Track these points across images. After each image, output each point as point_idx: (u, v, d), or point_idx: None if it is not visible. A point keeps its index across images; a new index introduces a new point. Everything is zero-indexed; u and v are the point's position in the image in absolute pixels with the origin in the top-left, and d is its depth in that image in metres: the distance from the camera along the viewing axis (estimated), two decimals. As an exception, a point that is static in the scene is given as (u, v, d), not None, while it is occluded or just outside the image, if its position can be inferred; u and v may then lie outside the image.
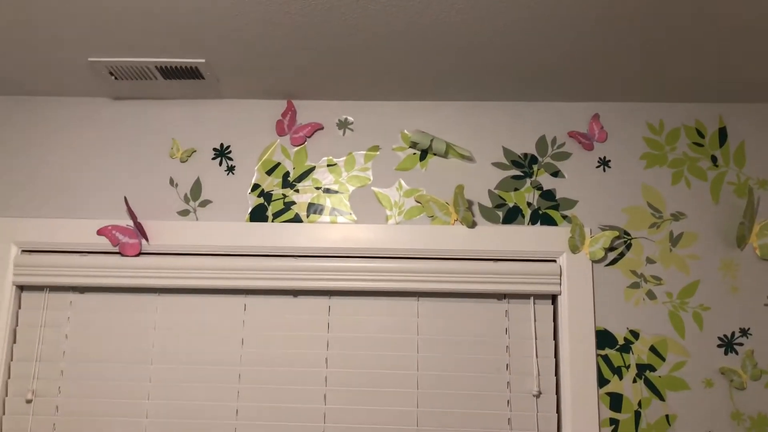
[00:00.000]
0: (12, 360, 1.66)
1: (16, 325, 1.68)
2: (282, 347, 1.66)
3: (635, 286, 1.63)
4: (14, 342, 1.67)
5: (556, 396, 1.61)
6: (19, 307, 1.69)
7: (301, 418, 1.61)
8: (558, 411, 1.60)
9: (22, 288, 1.70)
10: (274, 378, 1.63)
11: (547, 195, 1.69)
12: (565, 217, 1.68)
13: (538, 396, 1.61)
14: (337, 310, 1.68)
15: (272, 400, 1.62)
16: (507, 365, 1.63)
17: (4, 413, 1.63)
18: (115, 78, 1.63)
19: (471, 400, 1.61)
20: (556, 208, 1.68)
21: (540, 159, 1.72)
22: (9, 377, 1.65)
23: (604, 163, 1.70)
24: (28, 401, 1.63)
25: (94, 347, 1.66)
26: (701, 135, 1.71)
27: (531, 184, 1.70)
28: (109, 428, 1.61)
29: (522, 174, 1.71)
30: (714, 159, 1.69)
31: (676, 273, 1.63)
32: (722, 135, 1.70)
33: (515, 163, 1.72)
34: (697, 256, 1.63)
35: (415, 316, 1.67)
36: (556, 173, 1.71)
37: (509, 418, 1.60)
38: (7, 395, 1.64)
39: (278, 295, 1.69)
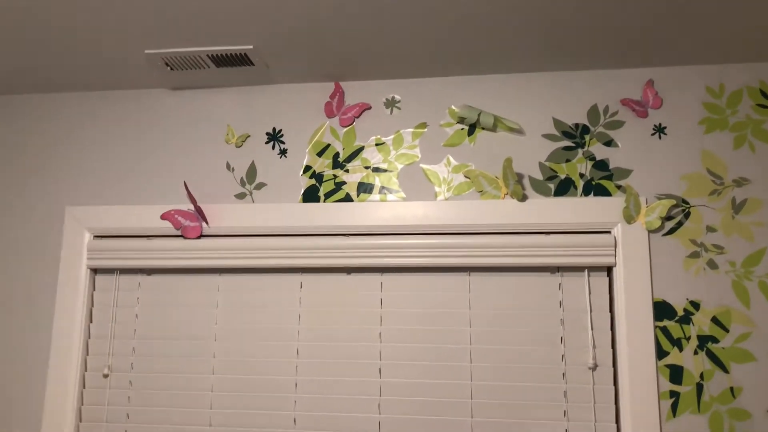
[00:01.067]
0: (90, 338, 1.78)
1: (92, 306, 1.80)
2: (337, 323, 1.70)
3: (695, 255, 1.57)
4: (91, 321, 1.79)
5: (613, 369, 1.59)
6: (94, 289, 1.81)
7: (357, 391, 1.65)
8: (615, 384, 1.58)
9: (95, 271, 1.82)
10: (330, 352, 1.68)
11: (600, 165, 1.66)
12: (619, 187, 1.64)
13: (594, 369, 1.59)
14: (390, 286, 1.71)
15: (329, 374, 1.67)
16: (561, 338, 1.61)
17: (84, 387, 1.76)
18: (171, 68, 1.70)
19: (525, 373, 1.61)
20: (609, 178, 1.65)
21: (592, 129, 1.68)
22: (87, 354, 1.77)
23: (659, 130, 1.65)
24: (105, 376, 1.75)
25: (162, 325, 1.76)
26: (766, 96, 1.63)
27: (583, 154, 1.67)
28: (178, 401, 1.71)
29: (573, 145, 1.68)
30: (780, 120, 1.61)
31: (739, 241, 1.56)
32: (789, 95, 1.62)
33: (566, 134, 1.69)
34: (763, 223, 1.56)
35: (466, 290, 1.68)
36: (609, 142, 1.66)
37: (565, 391, 1.58)
38: (86, 370, 1.77)
39: (332, 273, 1.73)
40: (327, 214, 1.72)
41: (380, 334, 1.68)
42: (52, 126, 1.89)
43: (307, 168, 1.77)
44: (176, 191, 1.80)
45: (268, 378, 1.69)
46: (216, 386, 1.71)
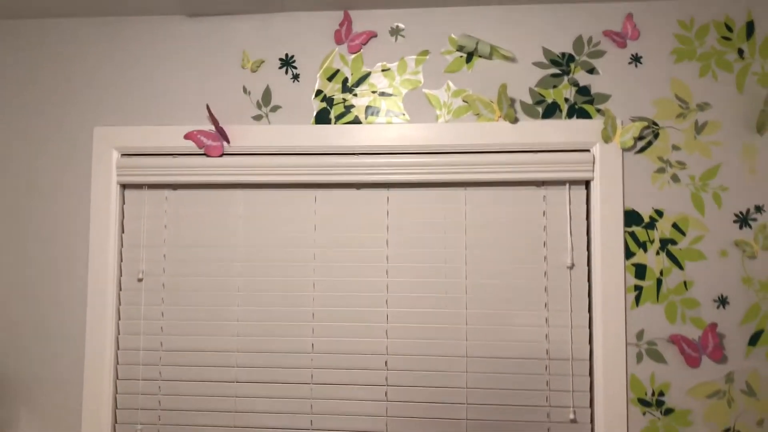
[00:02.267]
0: (123, 247, 1.97)
1: (123, 218, 1.98)
2: (348, 232, 1.92)
3: (661, 171, 1.82)
4: (123, 232, 1.98)
5: (587, 268, 1.86)
6: (124, 203, 1.98)
7: (367, 288, 1.90)
8: (589, 280, 1.85)
9: (124, 186, 1.98)
10: (343, 257, 1.91)
11: (583, 91, 1.86)
12: (598, 110, 1.85)
13: (571, 268, 1.86)
14: (395, 199, 1.92)
15: (343, 275, 1.91)
16: (544, 242, 1.87)
17: (121, 289, 1.96)
18: (192, -3, 1.82)
19: (512, 271, 1.87)
20: (591, 102, 1.86)
21: (577, 57, 1.87)
22: (122, 260, 1.97)
23: (636, 59, 1.85)
24: (139, 280, 1.96)
25: (188, 235, 1.96)
26: (730, 29, 1.83)
27: (568, 81, 1.87)
28: (206, 300, 1.93)
29: (560, 72, 1.87)
30: (740, 52, 1.82)
31: (699, 158, 1.81)
32: (749, 29, 1.83)
33: (554, 62, 1.88)
34: (720, 143, 1.81)
35: (463, 203, 1.90)
36: (591, 70, 1.86)
37: (546, 287, 1.86)
38: (122, 275, 1.96)
39: (343, 189, 1.94)
40: (338, 134, 1.90)
41: (387, 240, 1.91)
42: (78, 50, 2.00)
43: (319, 92, 1.94)
44: (197, 113, 1.95)
45: (288, 279, 1.92)
46: (241, 287, 1.93)
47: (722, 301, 1.78)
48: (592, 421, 1.82)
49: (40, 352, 1.93)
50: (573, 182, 1.88)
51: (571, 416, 1.81)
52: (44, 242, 1.96)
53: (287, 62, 1.95)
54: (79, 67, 1.99)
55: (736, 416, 1.76)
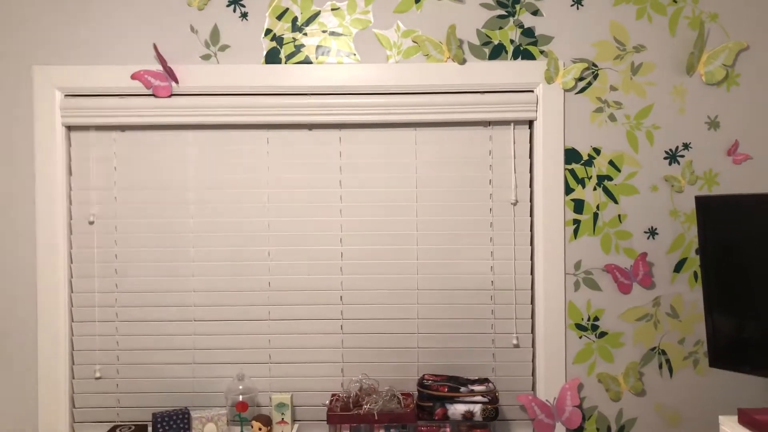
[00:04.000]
0: (71, 190, 1.94)
1: (70, 161, 1.94)
2: (301, 173, 1.95)
3: (599, 111, 1.92)
4: (71, 175, 1.95)
5: (530, 204, 1.96)
6: (70, 146, 1.94)
7: (321, 228, 1.95)
8: (531, 215, 1.96)
9: (69, 128, 1.94)
10: (297, 197, 1.95)
11: (528, 32, 1.92)
12: (542, 52, 1.92)
13: (515, 204, 1.95)
14: (347, 139, 1.96)
15: (296, 216, 1.95)
16: (490, 180, 1.96)
17: (71, 233, 1.95)
18: (134, -71, 1.75)
19: (460, 209, 1.95)
20: (534, 44, 1.92)
21: (522, -1, 1.92)
22: (71, 204, 1.94)
23: (578, 2, 1.92)
24: (91, 223, 1.95)
25: (139, 177, 1.95)
26: (665, -26, 1.92)
27: (514, 23, 1.92)
28: (160, 241, 1.95)
29: (506, 14, 1.92)
30: (675, -4, 1.92)
31: (634, 98, 1.92)
32: (684, -27, 1.91)
33: (500, 4, 1.92)
34: (653, 83, 1.91)
35: (413, 143, 1.96)
36: (535, 12, 1.92)
37: (491, 222, 1.96)
38: (71, 219, 1.95)
39: (296, 129, 1.96)
40: (288, 75, 1.91)
41: (340, 181, 1.96)
42: (7, -16, 1.91)
43: (268, 31, 1.92)
44: (144, 52, 1.91)
45: (243, 221, 1.95)
46: (195, 228, 1.95)
47: (652, 233, 1.92)
48: (533, 345, 1.96)
49: (-10, 297, 1.92)
50: (517, 122, 1.95)
51: (515, 341, 1.95)
52: (-13, 186, 1.91)
53: (235, 0, 1.92)
54: (20, 7, 1.90)
55: (661, 336, 1.93)
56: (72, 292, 1.94)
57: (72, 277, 1.94)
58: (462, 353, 1.95)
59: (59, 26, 1.91)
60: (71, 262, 1.94)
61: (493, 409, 1.77)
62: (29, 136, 1.90)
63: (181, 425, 1.82)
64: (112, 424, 1.93)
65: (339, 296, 1.95)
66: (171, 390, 1.95)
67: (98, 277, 1.94)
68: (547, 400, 1.90)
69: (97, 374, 1.94)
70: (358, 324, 1.96)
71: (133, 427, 1.86)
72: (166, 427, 1.81)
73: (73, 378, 1.95)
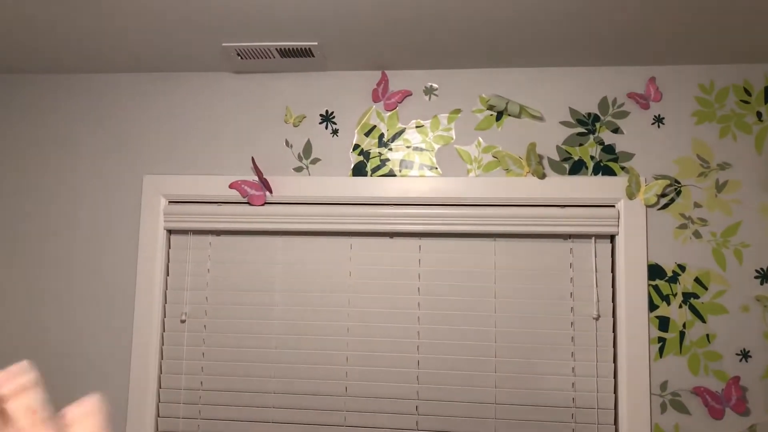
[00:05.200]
0: (167, 289, 2.08)
1: (168, 262, 2.09)
2: (382, 278, 2.01)
3: (683, 227, 1.90)
4: (168, 275, 2.08)
5: (612, 319, 1.93)
6: (169, 248, 2.10)
7: (399, 334, 1.98)
8: (614, 331, 1.92)
9: (170, 232, 2.10)
10: (377, 303, 2.00)
11: (608, 149, 1.96)
12: (623, 168, 1.95)
13: (597, 318, 1.93)
14: (427, 248, 2.02)
15: (376, 321, 2.00)
16: (571, 293, 1.95)
17: (164, 330, 2.06)
18: (241, 58, 1.95)
19: (540, 321, 1.94)
20: (615, 160, 1.95)
21: (602, 117, 1.98)
22: (166, 302, 2.07)
23: (658, 120, 1.95)
24: (182, 321, 2.06)
25: (229, 279, 2.06)
26: (748, 93, 1.93)
27: (594, 139, 1.97)
28: (245, 342, 2.02)
29: (586, 131, 1.98)
30: (759, 114, 1.92)
31: (720, 215, 1.89)
32: (768, 93, 1.92)
33: (580, 122, 1.98)
34: (740, 201, 1.89)
35: (492, 254, 1.99)
36: (616, 130, 1.96)
37: (572, 336, 1.93)
38: (165, 316, 2.07)
39: (378, 237, 2.04)
40: (373, 186, 2.01)
41: (418, 288, 2.00)
42: (133, 103, 2.14)
43: (356, 146, 2.05)
44: (242, 164, 2.07)
45: (324, 323, 2.01)
46: (279, 330, 2.02)
47: (744, 355, 1.84)
48: (617, 469, 1.87)
49: (86, 384, 2.03)
50: (598, 236, 1.96)
51: (597, 464, 1.87)
52: (95, 285, 2.07)
53: (327, 118, 2.07)
54: (134, 118, 2.13)
55: (760, 468, 1.80)
56: (160, 387, 2.03)
57: (161, 373, 2.04)
58: (541, 473, 1.88)
59: (170, 139, 2.11)
60: (162, 358, 2.05)
61: None
62: (134, 238, 2.07)
63: None
64: None
65: (414, 406, 1.95)
66: (246, 492, 1.97)
67: (185, 375, 2.03)
68: None
69: (177, 471, 1.99)
70: (434, 435, 1.93)
71: None
72: None
73: (154, 473, 2.00)
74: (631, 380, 1.85)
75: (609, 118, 1.97)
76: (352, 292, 2.02)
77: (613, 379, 1.90)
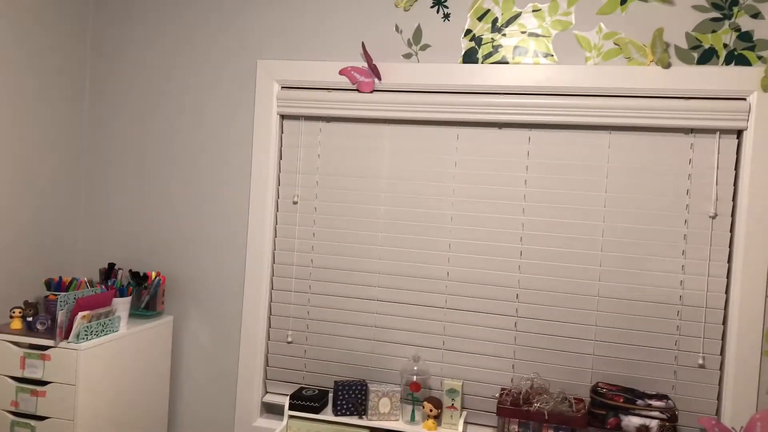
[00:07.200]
0: (280, 172, 2.18)
1: (281, 146, 2.17)
2: (488, 170, 2.01)
3: (824, 123, 1.74)
4: (281, 158, 2.18)
5: (731, 219, 1.84)
6: (282, 132, 2.17)
7: (502, 225, 1.99)
8: (731, 231, 1.84)
9: (283, 117, 2.17)
10: (481, 193, 2.01)
11: (744, 36, 1.80)
12: (760, 57, 1.79)
13: (714, 217, 1.85)
14: (537, 140, 1.98)
15: (478, 211, 2.01)
16: (687, 191, 1.87)
17: (278, 210, 2.18)
18: (355, -63, 1.91)
19: (651, 218, 1.89)
20: (752, 48, 1.79)
21: (741, 0, 1.80)
22: (279, 184, 2.18)
23: (809, 3, 1.76)
24: (294, 203, 2.16)
25: (339, 164, 2.13)
26: None
27: (729, 25, 1.81)
28: (352, 224, 2.11)
29: (721, 16, 1.81)
30: None
31: None
32: None
33: (715, 6, 1.82)
34: None
35: (606, 147, 1.93)
36: (756, 15, 1.79)
37: (685, 234, 1.87)
38: (279, 198, 2.18)
39: (486, 127, 2.01)
40: (485, 74, 1.96)
41: (525, 180, 1.99)
42: (243, -12, 2.17)
43: (468, 31, 1.99)
44: (352, 50, 2.08)
45: (429, 211, 2.05)
46: (384, 215, 2.09)
47: None
48: (721, 368, 1.85)
49: (208, 261, 2.21)
50: (724, 131, 1.84)
51: (700, 361, 1.85)
52: (215, 166, 2.20)
53: (439, 1, 2.01)
54: (246, 6, 2.16)
55: None
56: (274, 262, 2.18)
57: (275, 249, 2.18)
58: (640, 366, 1.90)
59: (283, 25, 2.13)
60: (275, 236, 2.18)
61: (671, 427, 1.71)
62: (249, 122, 2.16)
63: (359, 396, 1.97)
64: (299, 386, 2.14)
65: (515, 294, 1.99)
66: (352, 362, 2.12)
67: (297, 252, 2.16)
68: (732, 428, 1.78)
69: (289, 339, 2.16)
70: (533, 323, 1.98)
71: (317, 391, 2.05)
72: (346, 396, 1.97)
73: (269, 339, 2.19)
74: (746, 282, 1.79)
75: (749, 1, 1.79)
76: (457, 182, 2.03)
77: (726, 280, 1.84)
